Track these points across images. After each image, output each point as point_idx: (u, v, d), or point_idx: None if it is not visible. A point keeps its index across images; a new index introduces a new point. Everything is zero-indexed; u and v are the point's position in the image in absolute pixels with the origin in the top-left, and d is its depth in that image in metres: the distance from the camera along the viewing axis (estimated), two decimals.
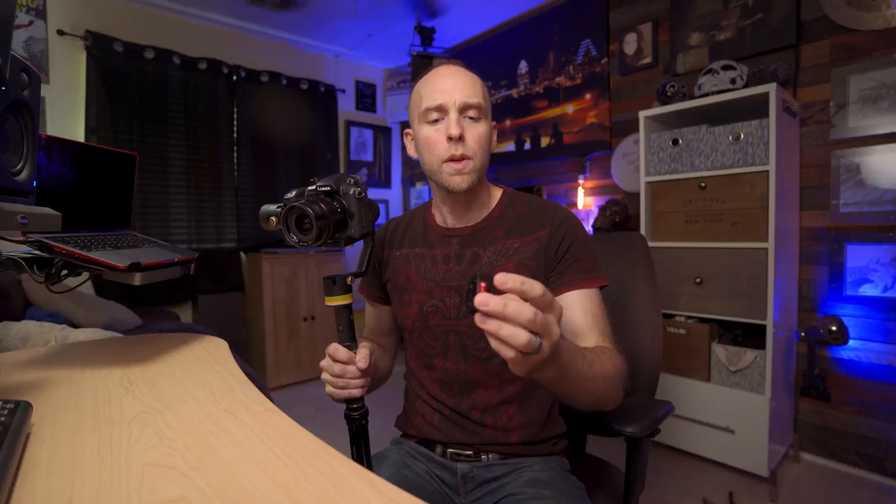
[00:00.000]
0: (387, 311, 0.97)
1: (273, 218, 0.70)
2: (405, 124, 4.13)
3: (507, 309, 0.44)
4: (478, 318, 0.46)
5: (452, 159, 0.78)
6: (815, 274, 1.96)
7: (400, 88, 3.76)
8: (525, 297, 0.45)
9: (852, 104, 1.83)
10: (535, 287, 0.45)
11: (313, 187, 0.72)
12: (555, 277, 0.80)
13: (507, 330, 0.45)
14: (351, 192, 0.72)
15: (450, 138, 0.77)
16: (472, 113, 0.79)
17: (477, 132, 0.80)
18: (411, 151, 0.89)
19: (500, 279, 0.45)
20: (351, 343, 0.74)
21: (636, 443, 0.90)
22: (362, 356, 0.73)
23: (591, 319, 0.76)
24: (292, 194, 0.71)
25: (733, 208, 1.82)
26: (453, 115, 0.78)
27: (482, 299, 0.45)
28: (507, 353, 0.47)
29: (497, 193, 0.89)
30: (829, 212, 1.91)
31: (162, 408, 0.59)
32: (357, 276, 0.76)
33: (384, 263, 0.93)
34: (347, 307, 0.74)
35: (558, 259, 0.80)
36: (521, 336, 0.45)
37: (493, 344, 0.47)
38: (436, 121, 0.80)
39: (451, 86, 0.79)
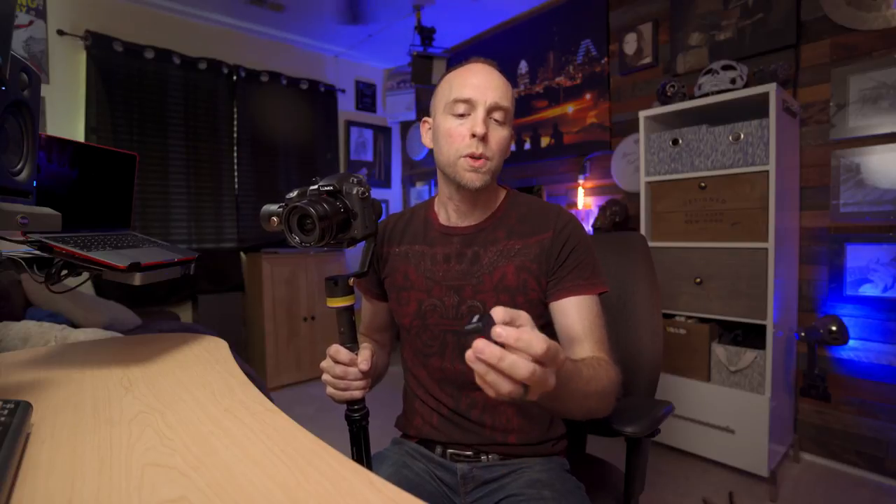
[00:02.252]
0: (384, 307, 0.96)
1: (274, 218, 0.69)
2: (405, 124, 4.13)
3: (503, 363, 0.44)
4: (469, 356, 0.45)
5: (472, 156, 0.78)
6: (815, 274, 1.96)
7: (400, 88, 3.76)
8: (526, 352, 0.45)
9: (852, 104, 1.83)
10: (535, 345, 0.45)
11: (315, 187, 0.71)
12: (554, 282, 0.80)
13: (492, 376, 0.45)
14: (354, 191, 0.71)
15: (473, 135, 0.77)
16: (498, 115, 0.79)
17: (500, 135, 0.79)
18: (426, 141, 0.88)
19: (498, 331, 0.44)
20: (352, 344, 0.73)
21: (636, 443, 0.90)
22: (364, 358, 0.72)
23: (588, 327, 0.76)
24: (294, 194, 0.70)
25: (733, 208, 1.82)
26: (481, 112, 0.77)
27: (480, 345, 0.44)
28: (489, 393, 0.47)
29: (501, 194, 0.89)
30: (829, 212, 1.91)
31: (162, 408, 0.59)
32: (359, 277, 0.75)
33: (382, 260, 0.93)
34: (349, 308, 0.73)
35: (559, 263, 0.80)
36: (503, 386, 0.45)
37: (478, 381, 0.47)
38: (462, 114, 0.79)
39: (484, 83, 0.78)
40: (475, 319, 0.46)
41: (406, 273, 0.88)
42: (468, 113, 0.78)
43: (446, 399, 0.85)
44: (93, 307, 2.13)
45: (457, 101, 0.78)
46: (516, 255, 0.82)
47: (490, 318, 0.46)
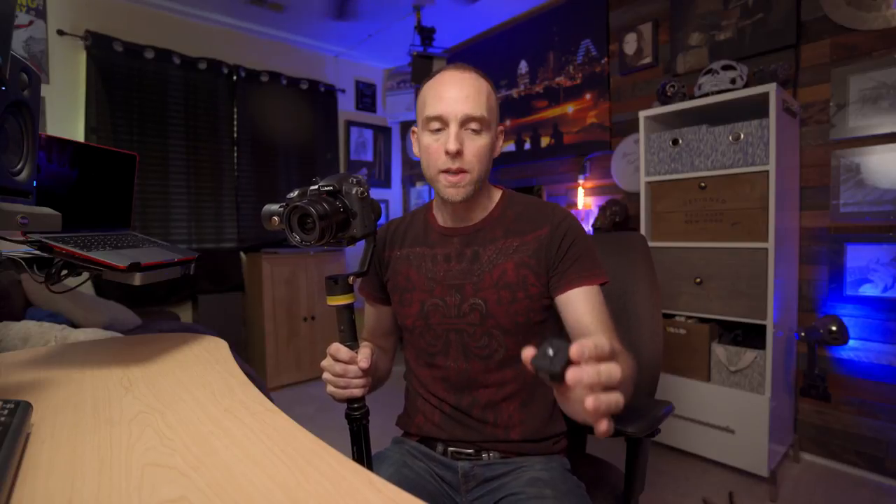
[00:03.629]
0: (386, 311, 0.97)
1: (275, 217, 0.70)
2: (405, 124, 4.13)
3: (602, 376, 0.43)
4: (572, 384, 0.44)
5: (448, 171, 0.79)
6: (815, 274, 1.96)
7: (400, 88, 3.76)
8: (601, 359, 0.44)
9: (852, 104, 1.83)
10: (605, 345, 0.44)
11: (315, 187, 0.72)
12: (558, 275, 0.80)
13: (605, 399, 0.43)
14: (353, 191, 0.72)
15: (447, 153, 0.77)
16: (473, 125, 0.78)
17: (476, 146, 0.79)
18: (416, 150, 0.89)
19: (577, 351, 0.43)
20: (352, 343, 0.74)
21: (636, 443, 0.90)
22: (364, 356, 0.72)
23: (598, 317, 0.77)
24: (294, 194, 0.71)
25: (733, 208, 1.82)
26: (453, 128, 0.77)
27: (576, 375, 0.43)
28: (603, 426, 0.44)
29: (497, 195, 0.90)
30: (829, 212, 1.91)
31: (162, 408, 0.59)
32: (359, 276, 0.76)
33: (384, 264, 0.94)
34: (349, 307, 0.74)
35: (560, 257, 0.81)
36: (613, 399, 0.43)
37: (595, 420, 0.44)
38: (437, 129, 0.79)
39: (455, 95, 0.78)
40: (550, 353, 0.45)
41: (408, 275, 0.89)
42: (442, 128, 0.79)
43: (449, 397, 0.85)
44: (93, 307, 2.13)
45: (429, 118, 0.79)
46: (515, 251, 0.83)
47: (563, 349, 0.45)
